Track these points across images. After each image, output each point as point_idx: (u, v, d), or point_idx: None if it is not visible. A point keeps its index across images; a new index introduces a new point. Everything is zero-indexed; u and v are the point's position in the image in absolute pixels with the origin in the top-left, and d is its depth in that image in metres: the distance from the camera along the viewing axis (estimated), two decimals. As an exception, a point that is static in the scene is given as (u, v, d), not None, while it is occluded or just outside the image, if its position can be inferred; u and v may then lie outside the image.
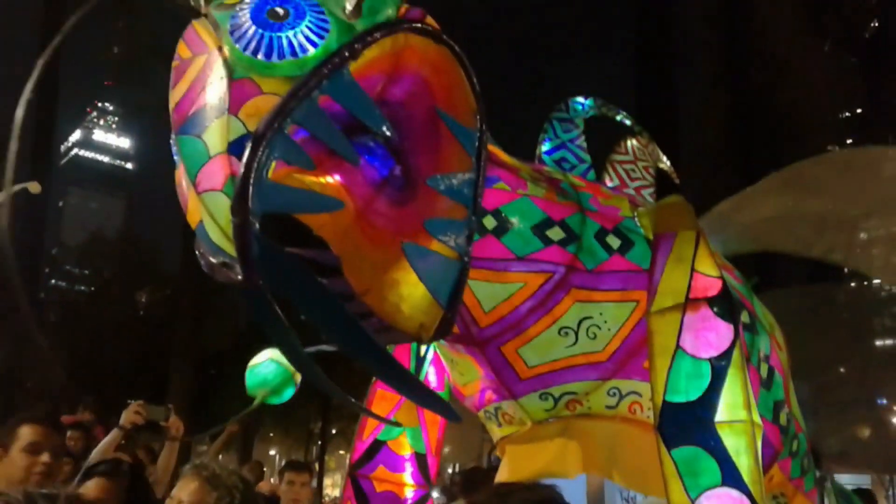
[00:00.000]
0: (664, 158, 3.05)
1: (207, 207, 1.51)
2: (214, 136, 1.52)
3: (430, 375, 2.49)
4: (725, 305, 2.05)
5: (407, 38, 1.69)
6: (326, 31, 1.61)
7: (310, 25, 1.61)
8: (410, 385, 1.91)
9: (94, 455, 2.76)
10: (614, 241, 2.17)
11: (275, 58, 1.57)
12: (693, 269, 2.09)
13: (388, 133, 1.73)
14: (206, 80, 1.58)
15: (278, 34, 1.59)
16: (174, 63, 1.65)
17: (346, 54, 1.59)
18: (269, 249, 1.53)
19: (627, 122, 2.99)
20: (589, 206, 2.21)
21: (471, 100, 1.82)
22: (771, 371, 2.39)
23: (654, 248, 2.14)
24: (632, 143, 2.94)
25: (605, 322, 2.11)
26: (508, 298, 2.06)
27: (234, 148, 1.50)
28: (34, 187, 4.36)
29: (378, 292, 1.74)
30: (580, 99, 2.87)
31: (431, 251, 1.76)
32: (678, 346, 2.00)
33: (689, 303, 2.04)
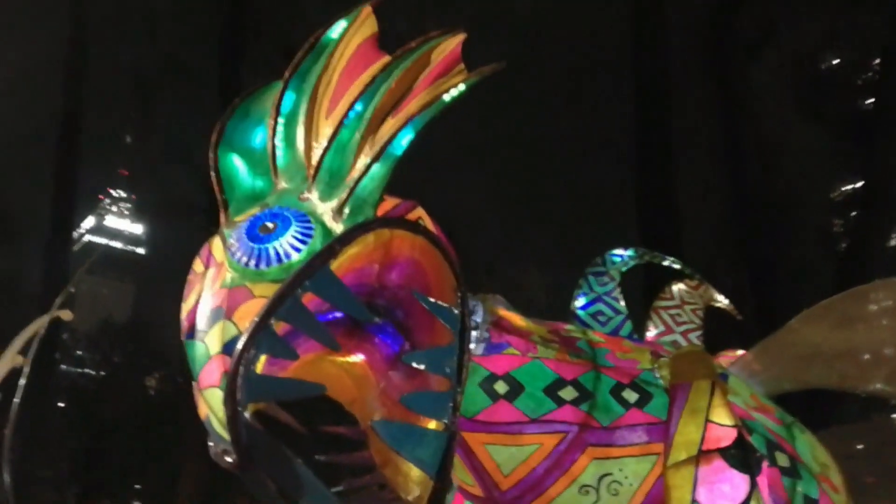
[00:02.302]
0: (719, 297, 3.13)
1: (208, 402, 1.79)
2: (213, 338, 1.82)
3: None
4: (740, 456, 2.11)
5: (392, 230, 1.94)
6: (310, 236, 1.90)
7: (295, 234, 1.91)
8: None
9: None
10: (631, 396, 2.23)
11: (263, 265, 1.87)
12: (707, 420, 2.14)
13: (386, 314, 1.95)
14: (210, 291, 1.83)
15: (266, 245, 1.86)
16: (189, 276, 1.93)
17: (325, 255, 1.83)
18: (259, 437, 1.75)
19: (676, 267, 3.10)
20: (604, 363, 2.29)
21: (451, 278, 2.03)
22: None
23: (671, 399, 2.21)
24: (678, 287, 3.06)
25: (626, 478, 2.15)
26: (526, 460, 2.14)
27: (228, 348, 1.77)
28: (66, 315, 4.55)
29: (394, 465, 1.96)
30: (618, 251, 3.01)
31: (412, 425, 1.93)
32: (693, 501, 2.06)
33: (703, 455, 2.09)
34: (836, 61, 16.09)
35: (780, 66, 15.21)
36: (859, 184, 15.38)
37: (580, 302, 2.90)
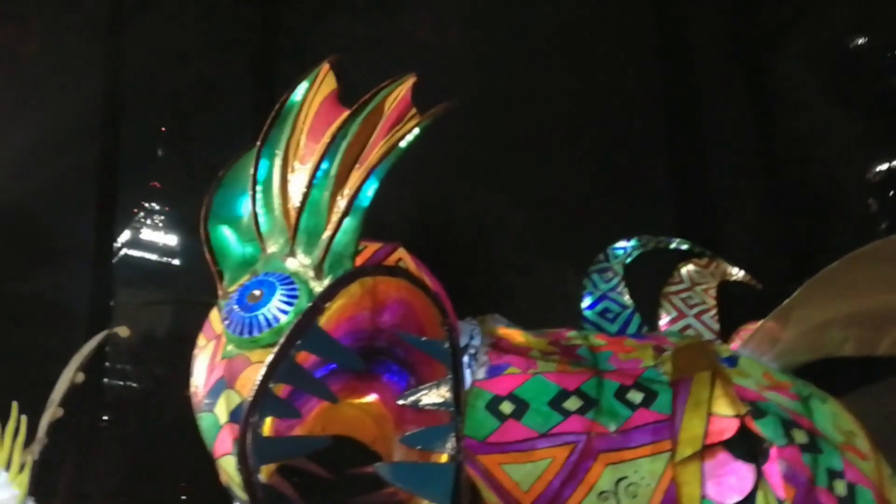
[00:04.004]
0: (733, 270, 3.10)
1: (225, 469, 1.92)
2: (221, 409, 1.95)
3: None
4: (744, 446, 2.13)
5: (374, 277, 2.05)
6: (296, 297, 2.02)
7: (281, 298, 2.03)
8: None
9: None
10: (636, 396, 2.26)
11: (256, 332, 1.98)
12: (709, 413, 2.17)
13: (388, 353, 2.07)
14: (214, 363, 1.96)
15: (256, 313, 1.97)
16: (195, 350, 2.07)
17: (311, 314, 1.95)
18: (276, 498, 1.89)
19: (684, 247, 3.09)
20: (606, 367, 2.33)
21: (437, 313, 2.16)
22: (851, 487, 2.32)
23: (674, 395, 2.24)
24: (687, 269, 3.04)
25: (643, 478, 2.17)
26: (542, 475, 2.18)
27: (235, 416, 1.96)
28: (123, 332, 4.66)
29: (417, 500, 2.05)
30: (621, 244, 3.01)
31: (416, 462, 2.04)
32: (703, 496, 2.09)
33: (707, 449, 2.12)
34: (862, 42, 15.82)
35: (807, 52, 15.01)
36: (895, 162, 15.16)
37: (586, 302, 2.93)
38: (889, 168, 17.14)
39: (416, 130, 2.16)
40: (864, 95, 15.37)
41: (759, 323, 2.61)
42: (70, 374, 4.37)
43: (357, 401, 2.27)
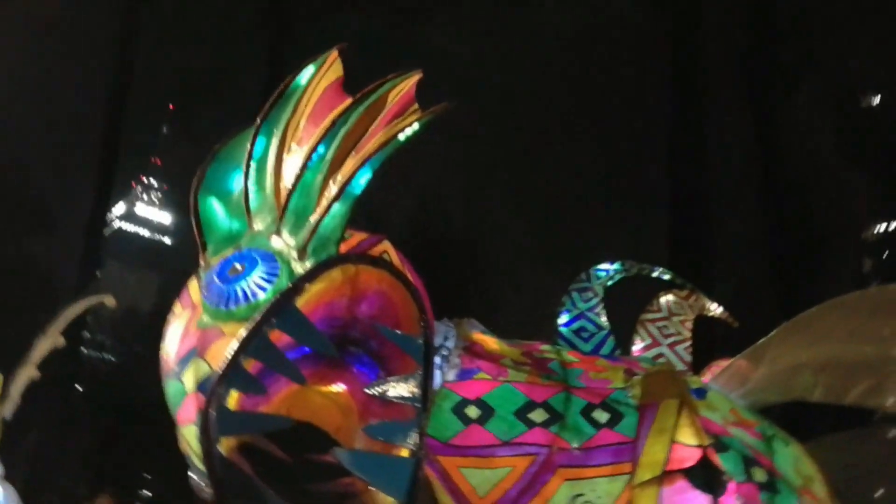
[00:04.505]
0: (712, 305, 3.13)
1: (186, 438, 1.90)
2: (188, 377, 1.93)
3: None
4: (703, 476, 2.14)
5: (356, 265, 2.05)
6: (276, 275, 2.01)
7: (261, 274, 2.01)
8: None
9: None
10: (602, 416, 2.27)
11: (232, 305, 1.96)
12: (673, 440, 2.18)
13: (361, 345, 2.07)
14: (187, 331, 1.97)
15: (235, 285, 1.96)
16: (169, 317, 2.07)
17: (290, 293, 1.95)
18: (233, 472, 1.88)
19: (667, 277, 3.12)
20: (576, 384, 2.34)
21: (415, 309, 2.18)
22: None
23: (640, 419, 2.26)
24: (666, 298, 3.07)
25: (599, 497, 2.18)
26: (499, 483, 2.18)
27: (202, 386, 1.91)
28: (109, 301, 4.65)
29: (376, 491, 2.05)
30: (604, 266, 3.03)
31: (377, 454, 2.04)
32: None
33: (666, 476, 2.13)
34: (877, 98, 15.92)
35: (819, 99, 15.09)
36: (892, 226, 15.23)
37: (563, 319, 2.96)
38: (886, 228, 17.19)
39: (416, 126, 2.17)
40: (871, 152, 15.44)
41: (732, 359, 2.62)
42: (51, 337, 4.33)
43: (325, 389, 2.27)
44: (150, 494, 19.85)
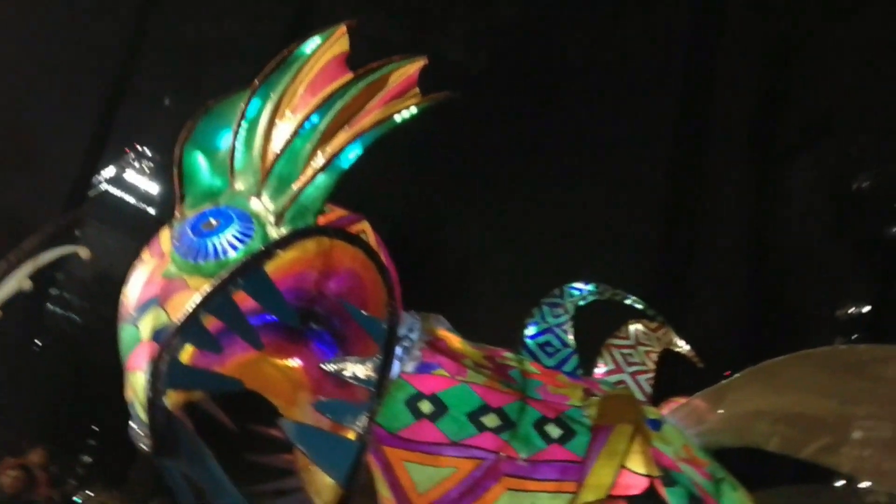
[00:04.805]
0: (679, 342, 3.11)
1: (132, 385, 1.84)
2: (145, 325, 1.89)
3: None
4: None
5: (332, 240, 2.02)
6: (250, 237, 1.97)
7: (235, 233, 1.98)
8: None
9: None
10: (554, 431, 2.22)
11: (201, 260, 1.92)
12: (622, 465, 2.13)
13: (324, 322, 2.04)
14: (152, 279, 1.92)
15: (207, 240, 1.92)
16: (136, 263, 2.02)
17: (261, 256, 1.91)
18: (175, 425, 1.84)
19: (639, 307, 3.10)
20: (533, 395, 2.29)
21: (385, 292, 2.13)
22: None
23: (591, 439, 2.20)
24: (635, 327, 3.04)
25: None
26: (441, 483, 2.13)
27: (158, 335, 1.86)
28: (84, 252, 4.57)
29: (315, 470, 2.02)
30: (578, 284, 3.01)
31: (324, 431, 2.00)
32: None
33: (610, 500, 2.08)
34: (872, 181, 16.13)
35: (817, 173, 15.27)
36: (866, 308, 15.39)
37: (530, 331, 2.92)
38: (861, 311, 17.35)
39: (414, 109, 2.15)
40: (860, 231, 15.63)
41: (691, 397, 2.60)
42: (18, 279, 4.24)
43: (280, 362, 2.22)
44: (89, 459, 19.57)
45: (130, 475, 13.94)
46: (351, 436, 2.02)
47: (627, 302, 3.15)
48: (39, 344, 20.52)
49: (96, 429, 18.89)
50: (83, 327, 23.22)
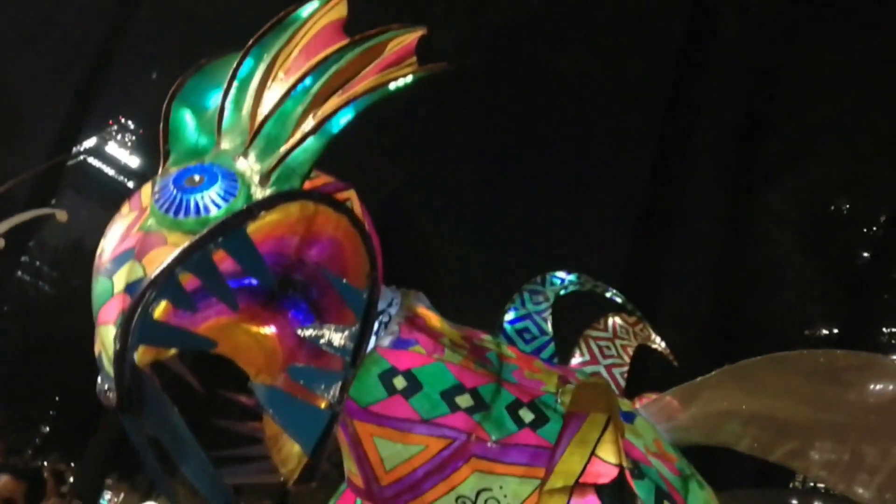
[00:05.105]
0: (656, 339, 3.11)
1: (102, 338, 1.81)
2: (119, 278, 1.85)
3: None
4: (615, 496, 2.06)
5: (317, 206, 2.00)
6: (234, 195, 1.97)
7: (218, 191, 1.98)
8: None
9: None
10: (527, 415, 2.20)
11: (182, 215, 1.91)
12: (593, 453, 2.10)
13: (301, 290, 2.03)
14: (129, 232, 1.89)
15: (189, 196, 1.91)
16: (115, 216, 1.98)
17: (243, 216, 1.88)
18: (144, 381, 1.82)
19: (618, 300, 3.10)
20: (508, 378, 2.27)
21: (366, 263, 2.09)
22: None
23: (563, 426, 2.17)
24: (614, 320, 3.03)
25: (505, 496, 2.11)
26: (409, 460, 2.11)
27: (131, 289, 1.81)
28: (62, 216, 4.52)
29: (279, 440, 2.04)
30: (560, 273, 3.00)
31: (295, 397, 1.99)
32: None
33: (578, 487, 2.04)
34: (846, 206, 16.39)
35: (792, 198, 15.46)
36: (835, 330, 15.64)
37: (509, 316, 2.88)
38: (829, 332, 17.61)
39: (410, 78, 2.12)
40: (831, 256, 15.85)
41: (663, 393, 2.60)
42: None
43: (253, 328, 2.12)
44: (47, 429, 19.32)
45: (88, 447, 13.76)
46: (323, 405, 2.00)
47: (608, 295, 3.15)
48: (4, 308, 20.23)
49: (56, 399, 18.62)
50: (53, 297, 22.91)
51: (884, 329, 17.85)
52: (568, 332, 2.95)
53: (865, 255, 15.92)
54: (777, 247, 15.45)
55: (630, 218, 13.40)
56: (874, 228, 16.21)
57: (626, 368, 2.91)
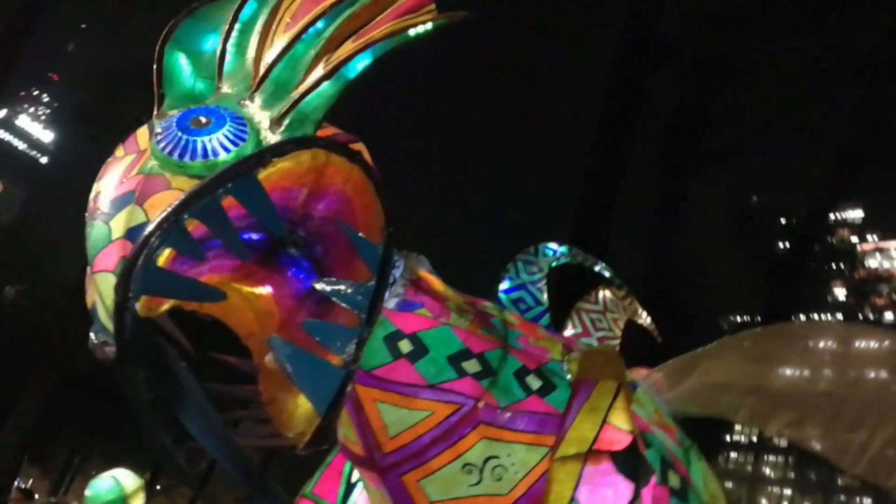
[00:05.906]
0: (644, 315, 3.10)
1: (98, 287, 1.66)
2: (118, 222, 1.71)
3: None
4: (629, 462, 2.05)
5: (328, 156, 1.88)
6: (243, 140, 1.83)
7: (227, 134, 1.83)
8: (251, 485, 1.91)
9: None
10: (534, 382, 2.14)
11: (187, 158, 1.77)
12: (605, 421, 2.07)
13: (304, 247, 1.91)
14: (127, 176, 1.73)
15: (195, 138, 1.79)
16: (108, 160, 1.81)
17: (255, 161, 1.75)
18: (145, 331, 1.68)
19: (606, 274, 3.08)
20: (515, 344, 2.20)
21: (381, 218, 1.98)
22: None
23: (573, 394, 2.13)
24: (604, 293, 3.01)
25: (513, 464, 2.06)
26: (414, 426, 2.02)
27: (133, 234, 1.67)
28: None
29: (281, 403, 1.91)
30: (553, 245, 2.96)
31: (311, 353, 1.86)
32: (573, 499, 1.99)
33: (592, 454, 2.03)
34: (772, 198, 17.03)
35: (723, 188, 15.97)
36: (757, 318, 16.24)
37: (504, 286, 2.82)
38: (751, 320, 18.28)
39: (430, 25, 2.01)
40: (755, 246, 16.43)
41: (661, 365, 2.59)
42: None
43: (247, 289, 1.98)
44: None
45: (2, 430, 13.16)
46: (336, 362, 1.87)
47: (597, 268, 3.13)
48: None
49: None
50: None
51: (801, 316, 18.65)
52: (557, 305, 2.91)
53: (784, 245, 16.57)
54: (705, 236, 15.93)
55: (571, 201, 13.58)
56: (793, 221, 16.89)
57: (617, 342, 2.90)
